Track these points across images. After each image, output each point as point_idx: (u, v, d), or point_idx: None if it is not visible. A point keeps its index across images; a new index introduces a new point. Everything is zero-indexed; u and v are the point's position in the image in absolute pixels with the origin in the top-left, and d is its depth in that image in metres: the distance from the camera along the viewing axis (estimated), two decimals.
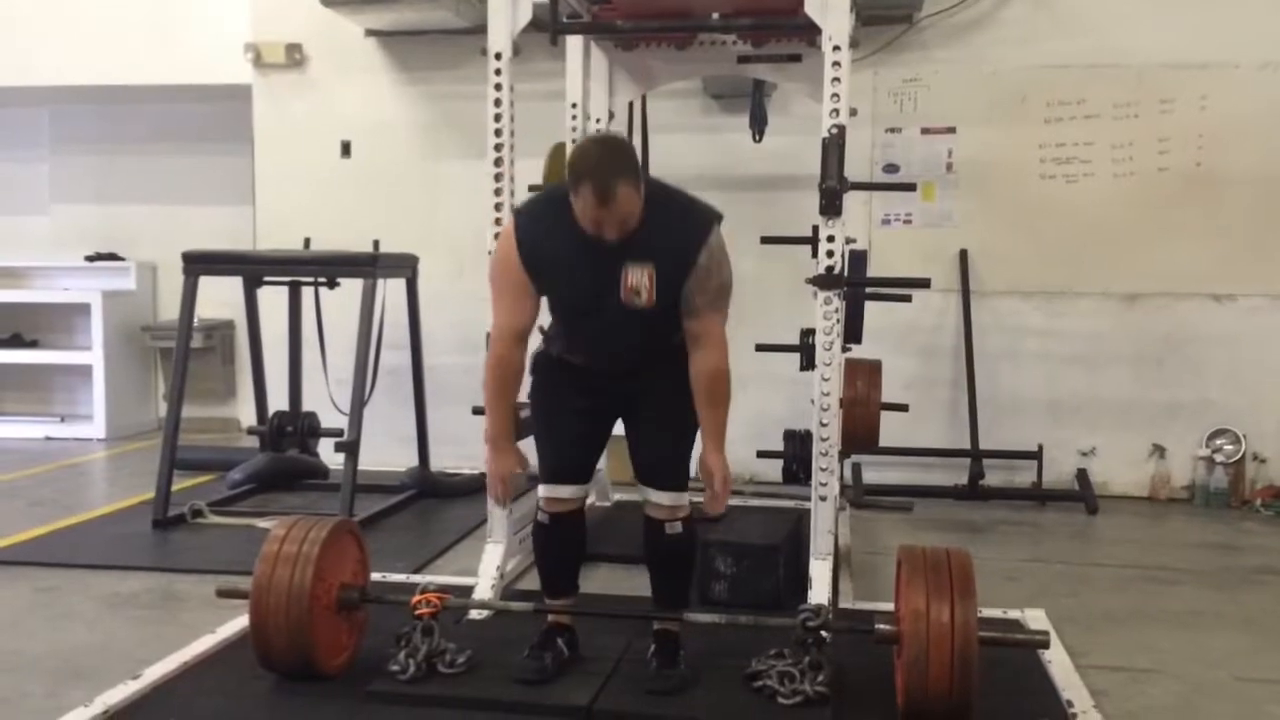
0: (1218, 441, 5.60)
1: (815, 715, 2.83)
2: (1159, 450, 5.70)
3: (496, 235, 3.68)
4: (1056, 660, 3.25)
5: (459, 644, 3.10)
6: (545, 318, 3.07)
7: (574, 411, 3.03)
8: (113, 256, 7.60)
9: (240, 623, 3.40)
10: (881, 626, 2.87)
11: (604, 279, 2.82)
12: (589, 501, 4.97)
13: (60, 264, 7.62)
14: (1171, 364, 5.69)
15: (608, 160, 2.72)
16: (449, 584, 3.67)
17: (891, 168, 5.82)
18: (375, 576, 3.95)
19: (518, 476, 3.10)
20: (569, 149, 4.59)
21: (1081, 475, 5.67)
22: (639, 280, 2.81)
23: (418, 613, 3.06)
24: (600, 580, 3.98)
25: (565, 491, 3.06)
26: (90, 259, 7.59)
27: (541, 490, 3.10)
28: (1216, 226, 5.60)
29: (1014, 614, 3.69)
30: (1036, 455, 5.60)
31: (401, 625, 3.08)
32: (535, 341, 3.09)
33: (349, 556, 3.19)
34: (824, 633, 2.95)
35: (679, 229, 2.83)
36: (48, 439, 7.21)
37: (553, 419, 3.06)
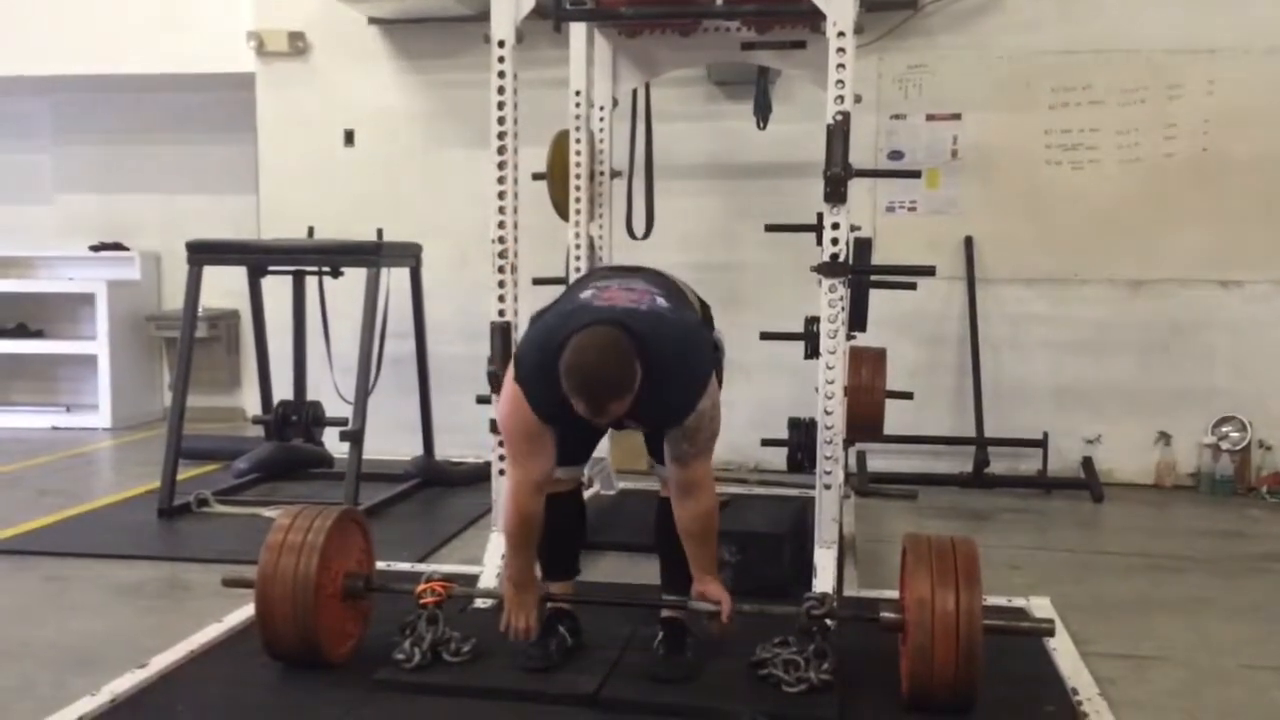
0: (1224, 429, 5.58)
1: (820, 703, 2.83)
2: (1165, 437, 5.69)
3: (500, 224, 3.68)
4: (1062, 648, 3.25)
5: (464, 632, 3.11)
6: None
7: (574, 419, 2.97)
8: (117, 246, 7.61)
9: (246, 611, 3.40)
10: (886, 614, 2.87)
11: (601, 431, 3.07)
12: (593, 490, 5.01)
13: (65, 254, 7.63)
14: (1177, 351, 5.67)
15: (598, 382, 2.64)
16: (454, 572, 3.68)
17: (896, 154, 5.80)
18: (380, 565, 3.95)
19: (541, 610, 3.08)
20: (571, 142, 4.59)
21: (1087, 463, 5.66)
22: (633, 428, 2.97)
23: (422, 601, 3.07)
24: (606, 568, 3.98)
25: (558, 473, 3.03)
26: (95, 249, 7.60)
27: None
28: (1223, 212, 5.57)
29: (1019, 602, 3.68)
30: (1042, 443, 5.58)
31: (407, 614, 3.08)
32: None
33: (354, 545, 3.20)
34: (829, 620, 2.95)
35: (674, 403, 2.78)
36: (54, 429, 7.23)
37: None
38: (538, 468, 2.88)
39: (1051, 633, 3.00)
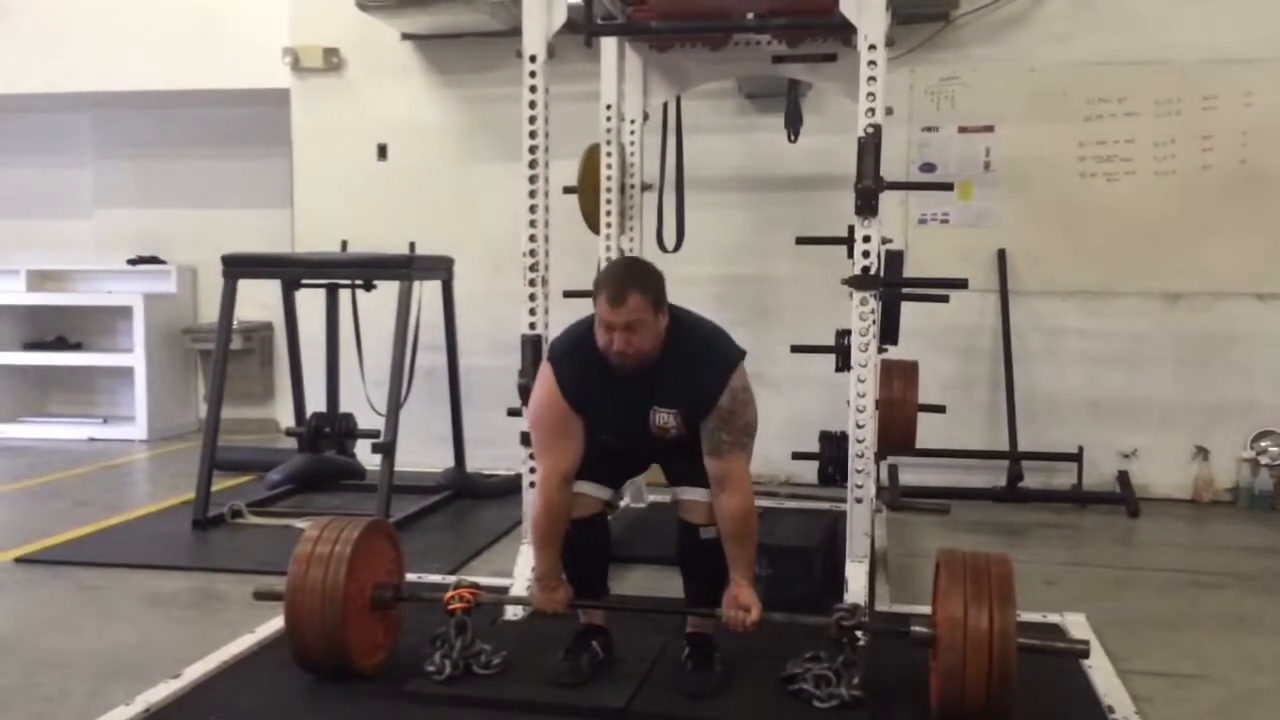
0: (1262, 443, 5.51)
1: (851, 719, 2.81)
2: (1202, 452, 5.62)
3: (532, 237, 3.70)
4: (1098, 665, 3.21)
5: (494, 644, 3.11)
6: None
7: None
8: (154, 260, 7.71)
9: (279, 622, 3.42)
10: (917, 629, 2.84)
11: (634, 417, 2.91)
12: (623, 503, 5.01)
13: (103, 267, 7.74)
14: (1214, 364, 5.60)
15: (624, 270, 2.91)
16: (485, 584, 3.69)
17: (928, 167, 5.77)
18: (411, 577, 3.97)
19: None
20: (602, 155, 4.61)
21: (1123, 477, 5.60)
22: (666, 421, 2.91)
23: (451, 607, 3.07)
24: (635, 582, 3.98)
25: (588, 488, 3.02)
26: (132, 262, 7.70)
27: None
28: (1261, 224, 5.50)
29: (1054, 618, 3.64)
30: (1077, 457, 5.53)
31: (437, 626, 3.09)
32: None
33: (383, 556, 3.21)
34: (859, 632, 2.93)
35: (702, 372, 2.86)
36: (91, 440, 7.32)
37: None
38: (564, 458, 2.91)
39: (1086, 654, 2.94)
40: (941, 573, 2.83)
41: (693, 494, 2.99)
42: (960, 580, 2.73)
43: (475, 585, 3.19)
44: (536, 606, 3.06)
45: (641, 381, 2.87)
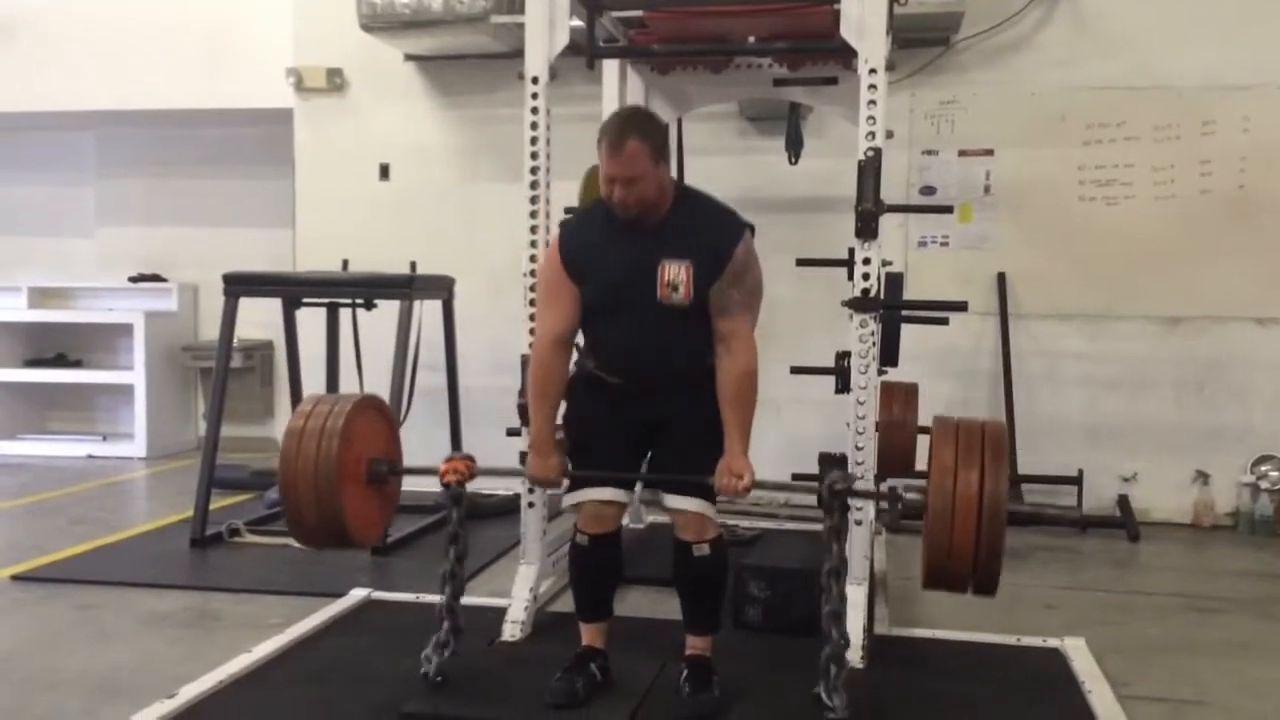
0: (1263, 468, 5.50)
1: None
2: (1202, 476, 5.61)
3: (533, 258, 3.71)
4: (1097, 691, 3.19)
5: (491, 667, 3.09)
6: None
7: (611, 434, 3.02)
8: (155, 278, 7.72)
9: (276, 642, 3.42)
10: (911, 496, 2.82)
11: (641, 273, 2.88)
12: (623, 523, 4.99)
13: (104, 285, 7.75)
14: (1214, 389, 5.60)
15: (625, 117, 2.98)
16: (483, 605, 3.68)
17: (928, 190, 5.79)
18: (408, 597, 3.97)
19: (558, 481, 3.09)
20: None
21: (1123, 501, 5.59)
22: (676, 275, 2.87)
23: (445, 480, 3.10)
24: (633, 603, 3.96)
25: (607, 493, 3.03)
26: (133, 280, 7.71)
27: (582, 496, 3.06)
28: (1260, 249, 5.52)
29: (1053, 642, 3.63)
30: (1076, 480, 5.52)
31: (426, 629, 3.09)
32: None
33: (377, 431, 3.20)
34: (850, 499, 2.92)
35: (713, 225, 2.95)
36: (90, 457, 7.31)
37: (590, 438, 3.05)
38: (558, 321, 2.98)
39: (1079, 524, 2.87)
40: (934, 436, 2.80)
41: (682, 504, 2.97)
42: (952, 439, 2.72)
43: (469, 457, 3.21)
44: (529, 473, 3.08)
45: (653, 235, 2.90)
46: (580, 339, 3.07)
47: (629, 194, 2.84)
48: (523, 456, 3.70)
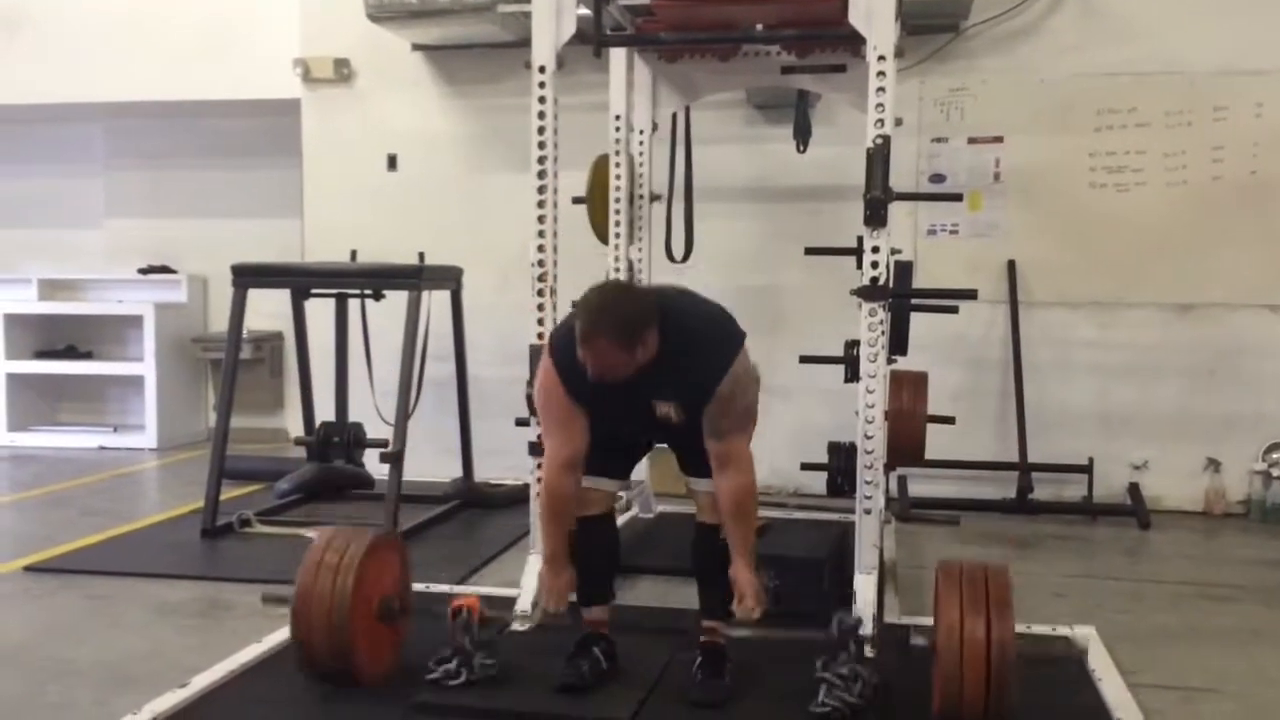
0: (1274, 455, 5.48)
1: None
2: (1214, 464, 5.59)
3: (540, 248, 3.69)
4: (1108, 679, 3.19)
5: (499, 654, 3.10)
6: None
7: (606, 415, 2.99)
8: (164, 269, 7.74)
9: (286, 632, 3.42)
10: (917, 641, 2.83)
11: (635, 407, 2.90)
12: (631, 513, 5.00)
13: (114, 277, 7.77)
14: (1226, 376, 5.57)
15: (597, 309, 2.77)
16: (492, 594, 3.68)
17: (938, 178, 5.76)
18: (419, 587, 3.96)
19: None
20: (611, 166, 4.61)
21: (1133, 489, 5.57)
22: (666, 412, 2.90)
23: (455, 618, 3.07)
24: (643, 592, 3.97)
25: (593, 482, 3.05)
26: (143, 272, 7.74)
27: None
28: (1272, 235, 5.48)
29: (1063, 630, 3.62)
30: (1087, 469, 5.50)
31: (442, 640, 3.09)
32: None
33: (390, 567, 3.21)
34: (853, 643, 2.92)
35: (699, 364, 2.86)
36: (101, 448, 7.34)
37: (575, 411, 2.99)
38: (566, 446, 2.94)
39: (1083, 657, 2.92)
40: (939, 582, 2.82)
41: (705, 485, 2.99)
42: (957, 589, 2.72)
43: (479, 598, 3.17)
44: (544, 588, 3.07)
45: (640, 379, 2.84)
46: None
47: (603, 372, 2.78)
48: (531, 447, 3.73)
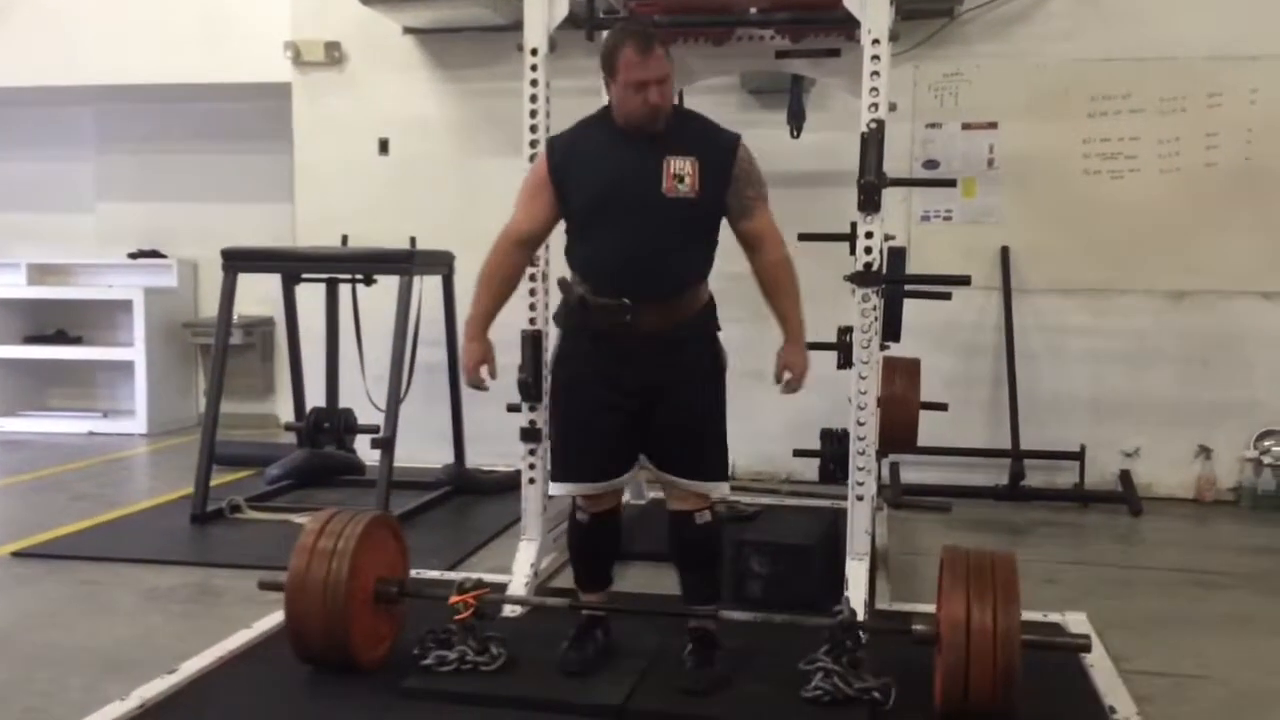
0: (1266, 443, 5.49)
1: (853, 716, 2.79)
2: (1205, 451, 5.60)
3: None
4: (1099, 665, 3.19)
5: (494, 639, 3.09)
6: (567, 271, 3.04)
7: (606, 409, 2.98)
8: (155, 254, 7.70)
9: (277, 617, 3.41)
10: (919, 627, 2.83)
11: (643, 172, 2.88)
12: (623, 499, 4.99)
13: (104, 261, 7.73)
14: (1218, 363, 5.58)
15: (639, 27, 3.03)
16: (484, 579, 3.67)
17: (932, 163, 5.75)
18: (410, 573, 3.96)
19: (488, 367, 3.11)
20: None
21: (1125, 476, 5.57)
22: (682, 168, 2.89)
23: (457, 618, 3.05)
24: (635, 578, 3.96)
25: (599, 487, 3.05)
26: (133, 256, 7.70)
27: (571, 489, 3.07)
28: (1266, 223, 5.48)
29: (1054, 617, 3.62)
30: (1079, 456, 5.51)
31: (439, 621, 3.08)
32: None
33: (386, 550, 3.19)
34: (860, 632, 2.91)
35: (713, 130, 3.00)
36: (90, 434, 7.31)
37: (584, 418, 3.02)
38: (526, 222, 3.03)
39: (1088, 648, 2.94)
40: (945, 571, 2.81)
41: (681, 481, 3.00)
42: (963, 578, 2.71)
43: (480, 583, 3.14)
44: (461, 360, 3.18)
45: (657, 139, 2.90)
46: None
47: (663, 95, 2.86)
48: (523, 433, 3.72)
